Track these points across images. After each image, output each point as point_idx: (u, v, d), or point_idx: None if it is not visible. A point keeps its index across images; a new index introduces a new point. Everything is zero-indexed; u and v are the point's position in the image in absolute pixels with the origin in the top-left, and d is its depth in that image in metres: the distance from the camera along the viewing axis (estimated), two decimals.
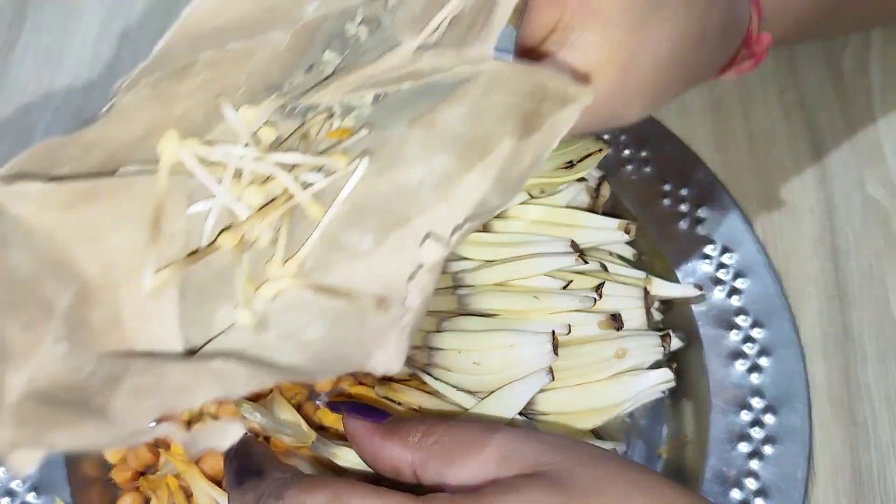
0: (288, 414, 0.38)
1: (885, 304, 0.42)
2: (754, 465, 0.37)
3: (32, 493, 0.37)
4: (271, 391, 0.39)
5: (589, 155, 0.42)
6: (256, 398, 0.40)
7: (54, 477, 0.37)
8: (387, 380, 0.39)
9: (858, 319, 0.42)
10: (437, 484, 0.27)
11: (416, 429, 0.28)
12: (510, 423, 0.37)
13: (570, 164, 0.41)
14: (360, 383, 0.40)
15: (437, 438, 0.27)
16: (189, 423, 0.39)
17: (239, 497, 0.28)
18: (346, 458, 0.36)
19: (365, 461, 0.30)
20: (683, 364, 0.41)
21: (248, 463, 0.29)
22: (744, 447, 0.38)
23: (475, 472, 0.26)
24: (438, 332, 0.39)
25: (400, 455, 0.28)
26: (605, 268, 0.40)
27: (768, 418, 0.38)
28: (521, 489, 0.24)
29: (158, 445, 0.39)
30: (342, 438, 0.38)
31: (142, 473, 0.39)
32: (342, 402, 0.31)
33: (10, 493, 0.37)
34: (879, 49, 0.50)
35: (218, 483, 0.38)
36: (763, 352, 0.40)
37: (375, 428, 0.29)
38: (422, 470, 0.27)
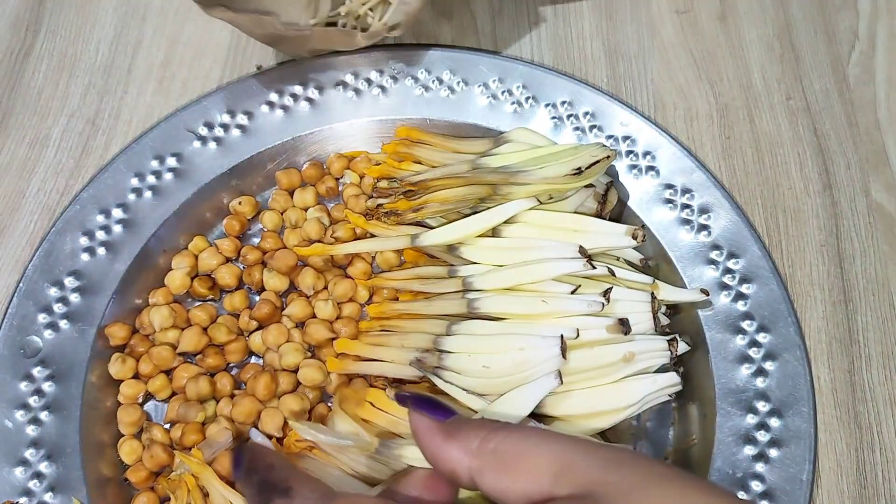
0: (348, 425, 0.38)
1: (890, 307, 0.42)
2: (760, 467, 0.38)
3: (49, 493, 0.38)
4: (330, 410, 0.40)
5: (597, 162, 0.42)
6: (310, 416, 0.41)
7: (71, 477, 0.38)
8: (398, 382, 0.40)
9: (863, 323, 0.42)
10: (492, 492, 0.27)
11: (476, 433, 0.27)
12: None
13: (579, 171, 0.42)
14: (372, 385, 0.41)
15: (495, 446, 0.27)
16: (203, 425, 0.40)
17: None
18: (412, 456, 0.36)
19: (425, 457, 0.29)
20: (690, 368, 0.41)
21: (271, 478, 0.28)
22: (749, 450, 0.38)
23: (530, 484, 0.26)
24: (448, 335, 0.39)
25: (459, 459, 0.27)
26: (612, 272, 0.41)
27: (773, 421, 0.39)
28: None
29: (173, 446, 0.40)
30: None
31: (156, 474, 0.40)
32: (409, 395, 0.30)
33: (28, 493, 0.38)
34: (885, 56, 0.50)
35: (231, 484, 0.39)
36: (768, 356, 0.40)
37: (438, 427, 0.28)
38: (478, 477, 0.27)
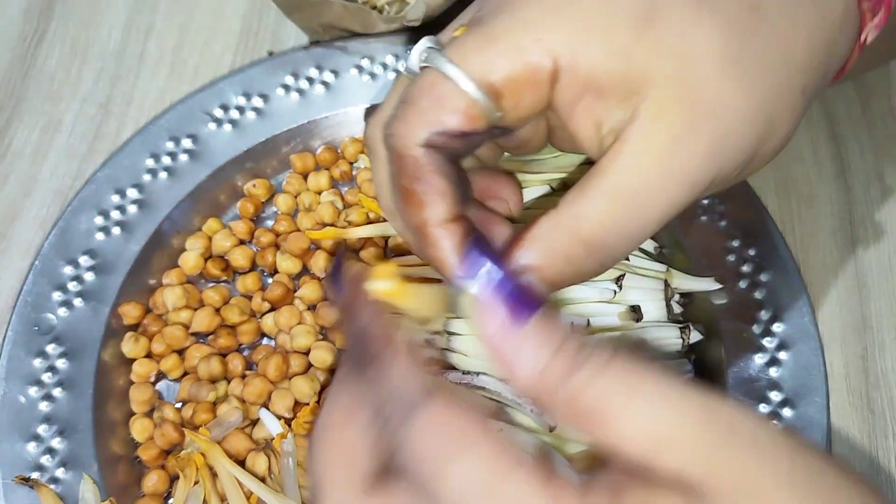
0: None
1: None
2: None
3: (61, 469, 0.39)
4: None
5: None
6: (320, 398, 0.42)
7: (83, 453, 0.40)
8: None
9: (877, 309, 0.44)
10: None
11: (559, 363, 0.21)
12: None
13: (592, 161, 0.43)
14: None
15: (573, 389, 0.20)
16: (214, 405, 0.42)
17: (349, 394, 0.22)
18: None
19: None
20: (703, 356, 0.42)
21: (369, 344, 0.22)
22: None
23: (610, 442, 0.20)
24: (457, 317, 0.41)
25: (526, 381, 0.21)
26: (626, 259, 0.42)
27: (786, 412, 0.40)
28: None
29: (184, 425, 0.41)
30: None
31: (167, 452, 0.41)
32: (482, 249, 0.23)
33: (41, 468, 0.39)
34: None
35: (240, 462, 0.40)
36: (782, 346, 0.41)
37: (515, 327, 0.21)
38: (547, 409, 0.21)
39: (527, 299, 0.21)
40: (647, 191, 0.25)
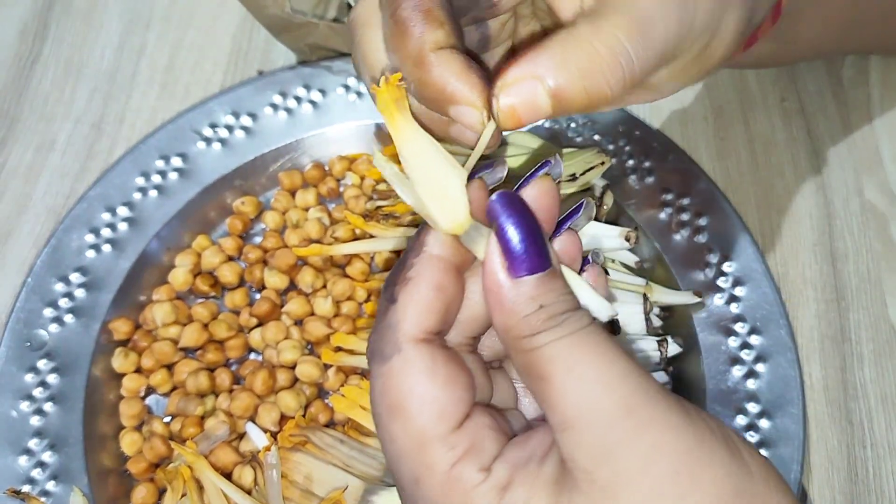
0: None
1: (882, 306, 0.46)
2: None
3: (52, 482, 0.41)
4: None
5: (591, 168, 0.46)
6: (305, 412, 0.44)
7: (73, 467, 0.42)
8: None
9: (855, 321, 0.46)
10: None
11: (545, 310, 0.23)
12: None
13: (573, 177, 0.45)
14: (365, 378, 0.44)
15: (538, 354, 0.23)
16: (202, 419, 0.44)
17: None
18: None
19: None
20: (682, 369, 0.44)
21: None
22: None
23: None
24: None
25: (503, 322, 0.24)
26: (607, 273, 0.44)
27: (763, 422, 0.41)
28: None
29: (172, 438, 0.44)
30: (362, 432, 0.42)
31: (156, 465, 0.43)
32: (504, 201, 0.24)
33: (32, 481, 0.41)
34: (879, 58, 0.54)
35: (227, 475, 0.42)
36: (759, 358, 0.43)
37: (509, 287, 0.23)
38: (509, 352, 0.24)
39: (538, 251, 0.23)
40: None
